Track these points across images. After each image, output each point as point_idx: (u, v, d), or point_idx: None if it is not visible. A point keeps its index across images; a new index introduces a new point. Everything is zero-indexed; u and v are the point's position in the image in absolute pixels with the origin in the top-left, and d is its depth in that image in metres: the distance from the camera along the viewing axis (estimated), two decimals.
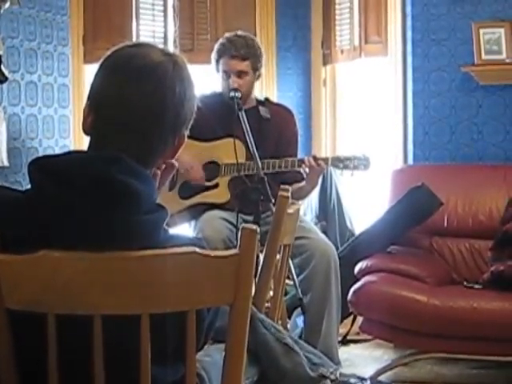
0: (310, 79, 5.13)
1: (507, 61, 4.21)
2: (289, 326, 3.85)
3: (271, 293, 2.21)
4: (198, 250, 1.35)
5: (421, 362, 3.82)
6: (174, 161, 1.53)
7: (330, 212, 4.59)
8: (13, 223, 1.35)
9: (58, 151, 4.39)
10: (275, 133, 3.73)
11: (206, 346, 1.58)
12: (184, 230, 3.79)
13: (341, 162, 3.59)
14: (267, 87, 4.88)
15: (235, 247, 1.38)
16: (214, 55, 3.68)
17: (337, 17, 5.01)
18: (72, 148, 4.50)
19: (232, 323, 1.40)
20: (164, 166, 1.52)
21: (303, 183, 3.65)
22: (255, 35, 4.28)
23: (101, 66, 1.49)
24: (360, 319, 3.88)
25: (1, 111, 4.10)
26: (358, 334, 4.20)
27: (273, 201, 3.00)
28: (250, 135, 3.30)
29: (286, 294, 3.91)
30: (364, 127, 5.05)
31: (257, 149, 3.30)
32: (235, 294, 1.37)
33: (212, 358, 1.69)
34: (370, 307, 3.65)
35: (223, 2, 4.93)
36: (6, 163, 4.06)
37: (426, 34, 4.46)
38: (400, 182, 4.19)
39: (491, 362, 3.62)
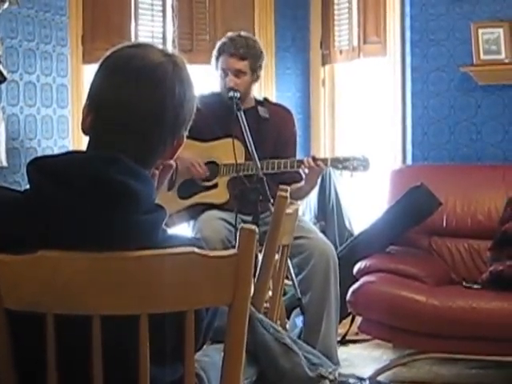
0: (308, 79, 5.14)
1: (506, 61, 4.21)
2: (288, 326, 3.84)
3: (270, 293, 2.21)
4: (196, 250, 1.35)
5: (420, 362, 3.82)
6: (172, 161, 1.53)
7: (328, 212, 4.59)
8: (12, 223, 1.35)
9: (56, 151, 4.39)
10: (274, 133, 3.73)
11: (204, 346, 1.58)
12: (183, 230, 3.79)
13: (340, 163, 3.59)
14: (266, 87, 4.88)
15: (234, 247, 1.38)
16: (214, 52, 3.70)
17: (335, 17, 5.01)
18: (71, 148, 4.50)
19: (231, 323, 1.40)
20: (162, 166, 1.52)
21: (302, 183, 3.65)
22: (254, 35, 4.28)
23: (100, 66, 1.49)
24: (359, 319, 3.88)
25: None
26: (356, 334, 4.20)
27: (271, 201, 3.01)
28: (249, 135, 3.30)
29: (284, 294, 3.91)
30: (363, 127, 5.05)
31: (256, 149, 3.30)
32: (234, 294, 1.37)
33: (211, 358, 1.70)
34: (369, 307, 3.65)
35: (222, 3, 4.93)
36: (4, 163, 4.06)
37: (425, 34, 4.46)
38: (399, 182, 4.19)
39: (490, 361, 3.62)
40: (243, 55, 3.62)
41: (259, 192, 3.09)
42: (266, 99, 3.93)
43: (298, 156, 3.83)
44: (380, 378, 3.67)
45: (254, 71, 3.67)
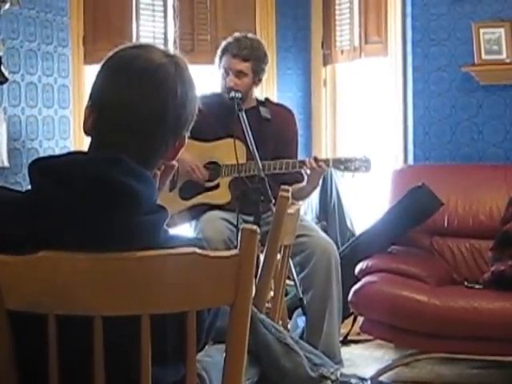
0: (310, 79, 5.14)
1: (507, 61, 4.21)
2: (289, 326, 3.84)
3: (272, 293, 2.21)
4: (198, 250, 1.35)
5: (421, 362, 3.82)
6: (174, 162, 1.53)
7: (330, 212, 4.59)
8: (13, 224, 1.35)
9: (58, 152, 4.39)
10: (275, 133, 3.73)
11: (206, 347, 1.58)
12: (184, 230, 3.79)
13: (342, 164, 3.59)
14: (267, 87, 4.88)
15: (236, 248, 1.38)
16: (218, 51, 3.70)
17: (337, 17, 5.01)
18: (72, 149, 4.50)
19: (232, 324, 1.40)
20: (164, 167, 1.52)
21: (304, 184, 3.65)
22: (255, 35, 4.28)
23: (102, 66, 1.49)
24: (361, 319, 3.88)
25: (1, 112, 4.11)
26: (358, 334, 4.20)
27: (273, 201, 3.00)
28: (250, 135, 3.30)
29: (286, 294, 3.91)
30: (364, 127, 5.05)
31: (257, 149, 3.30)
32: (236, 294, 1.37)
33: (212, 359, 1.70)
34: (371, 307, 3.65)
35: (223, 3, 4.94)
36: (6, 164, 4.06)
37: (426, 34, 4.46)
38: (400, 182, 4.19)
39: (492, 362, 3.62)
40: (246, 56, 3.62)
41: (261, 192, 3.09)
42: (267, 99, 3.93)
43: (300, 156, 3.83)
44: (382, 378, 3.67)
45: (256, 74, 3.66)
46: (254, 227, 1.38)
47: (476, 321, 3.34)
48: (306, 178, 3.61)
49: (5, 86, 4.13)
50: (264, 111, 3.75)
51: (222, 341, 1.48)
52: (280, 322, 2.21)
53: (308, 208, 4.66)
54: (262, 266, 2.05)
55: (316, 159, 3.57)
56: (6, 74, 3.97)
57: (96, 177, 1.33)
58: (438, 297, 3.46)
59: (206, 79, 4.47)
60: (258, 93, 3.93)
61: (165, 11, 4.83)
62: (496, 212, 3.96)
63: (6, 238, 1.33)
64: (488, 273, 3.65)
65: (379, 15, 4.72)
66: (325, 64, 5.10)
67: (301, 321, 3.83)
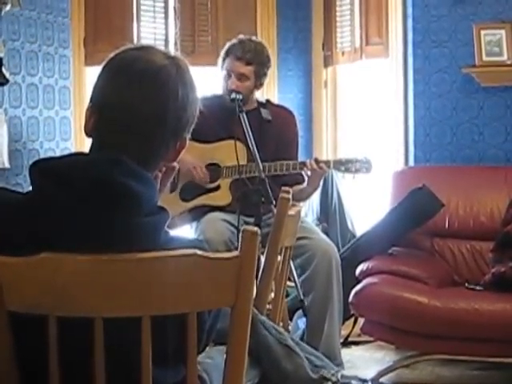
0: (310, 81, 5.14)
1: (508, 62, 4.21)
2: (290, 327, 3.84)
3: (272, 295, 2.21)
4: (198, 252, 1.35)
5: (422, 363, 3.82)
6: (175, 163, 1.53)
7: (331, 213, 4.59)
8: (13, 225, 1.35)
9: (59, 153, 4.40)
10: (276, 134, 3.73)
11: (207, 348, 1.58)
12: (185, 231, 3.79)
13: (343, 165, 3.59)
14: (268, 89, 4.88)
15: (237, 249, 1.38)
16: (222, 53, 3.70)
17: (338, 18, 5.01)
18: (73, 150, 4.50)
19: (233, 325, 1.40)
20: (165, 168, 1.52)
21: (304, 185, 3.65)
22: (256, 37, 4.28)
23: (103, 68, 1.49)
24: (361, 321, 3.88)
25: (2, 113, 4.11)
26: (359, 335, 4.20)
27: (274, 203, 3.00)
28: (251, 137, 3.30)
29: (287, 295, 3.91)
30: (365, 129, 5.05)
31: (258, 150, 3.30)
32: (236, 296, 1.37)
33: (213, 360, 1.70)
34: (372, 309, 3.65)
35: (224, 4, 4.94)
36: (7, 165, 4.06)
37: (427, 36, 4.46)
38: (401, 184, 4.19)
39: (493, 363, 3.62)
40: (250, 60, 3.62)
41: (261, 194, 3.09)
42: (268, 101, 3.93)
43: (301, 157, 3.83)
44: (382, 379, 3.67)
45: (258, 78, 3.66)
46: (255, 229, 1.38)
47: (477, 322, 3.34)
48: (306, 179, 3.61)
49: (6, 88, 4.13)
50: (265, 113, 3.75)
51: (222, 342, 1.48)
52: (281, 324, 2.21)
53: (309, 209, 4.66)
54: (263, 268, 2.05)
55: (317, 160, 3.57)
56: (7, 75, 3.97)
57: (97, 178, 1.33)
58: (439, 298, 3.46)
59: (207, 81, 4.47)
60: (259, 94, 3.93)
61: (166, 12, 4.83)
62: (497, 213, 3.96)
63: (6, 239, 1.33)
64: (489, 274, 3.65)
65: (380, 17, 4.72)
66: (325, 65, 5.10)
67: (301, 322, 3.83)
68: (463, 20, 4.36)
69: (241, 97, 3.50)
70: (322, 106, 5.10)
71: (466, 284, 3.73)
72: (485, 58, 4.24)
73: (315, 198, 4.48)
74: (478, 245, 3.99)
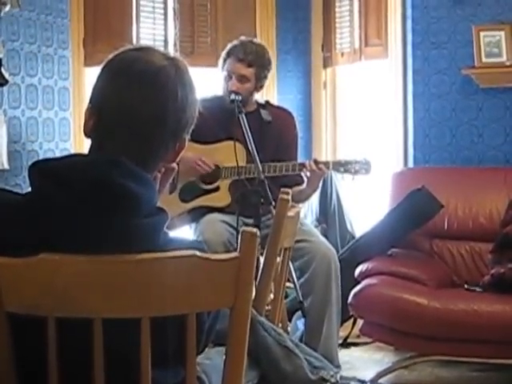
0: (310, 82, 5.14)
1: (507, 63, 4.21)
2: (289, 329, 3.84)
3: (271, 296, 2.21)
4: (198, 253, 1.35)
5: (421, 364, 3.82)
6: (174, 164, 1.53)
7: (330, 215, 4.59)
8: (12, 226, 1.35)
9: (58, 154, 4.39)
10: (276, 135, 3.73)
11: (206, 349, 1.58)
12: (184, 232, 3.79)
13: (342, 166, 3.59)
14: (267, 90, 4.87)
15: (236, 250, 1.38)
16: (223, 54, 3.70)
17: (337, 19, 5.01)
18: (72, 151, 4.50)
19: (232, 326, 1.40)
20: (164, 169, 1.52)
21: (304, 186, 3.65)
22: (255, 38, 4.28)
23: (103, 69, 1.49)
24: (360, 322, 3.88)
25: (1, 114, 4.11)
26: (358, 336, 4.20)
27: (273, 204, 3.00)
28: (251, 138, 3.30)
29: (286, 296, 3.91)
30: (364, 130, 5.05)
31: (257, 151, 3.30)
32: (235, 297, 1.37)
33: (212, 361, 1.70)
34: (371, 310, 3.65)
35: (223, 5, 4.94)
36: (6, 166, 4.06)
37: (426, 37, 4.46)
38: (400, 185, 4.19)
39: (492, 364, 3.62)
40: (251, 62, 3.62)
41: (261, 195, 3.09)
42: (267, 102, 3.93)
43: (300, 158, 3.83)
44: (381, 380, 3.67)
45: (259, 80, 3.66)
46: (254, 230, 1.38)
47: (476, 323, 3.34)
48: (305, 180, 3.61)
49: (5, 88, 4.13)
50: (265, 114, 3.75)
51: (222, 343, 1.48)
52: (280, 325, 2.21)
53: (308, 210, 4.66)
54: (262, 269, 2.05)
55: (316, 162, 3.57)
56: (7, 76, 3.97)
57: (96, 179, 1.33)
58: (438, 299, 3.46)
59: (207, 82, 4.47)
60: (259, 95, 3.93)
61: (165, 13, 4.83)
62: (496, 215, 3.96)
63: (5, 240, 1.33)
64: (488, 275, 3.65)
65: (379, 18, 4.72)
66: (325, 66, 5.10)
67: (300, 323, 3.83)
68: (462, 21, 4.36)
69: (240, 98, 3.50)
70: (322, 107, 5.10)
71: (466, 285, 3.73)
72: (484, 60, 4.25)
73: (314, 199, 4.48)
74: (477, 246, 4.00)
